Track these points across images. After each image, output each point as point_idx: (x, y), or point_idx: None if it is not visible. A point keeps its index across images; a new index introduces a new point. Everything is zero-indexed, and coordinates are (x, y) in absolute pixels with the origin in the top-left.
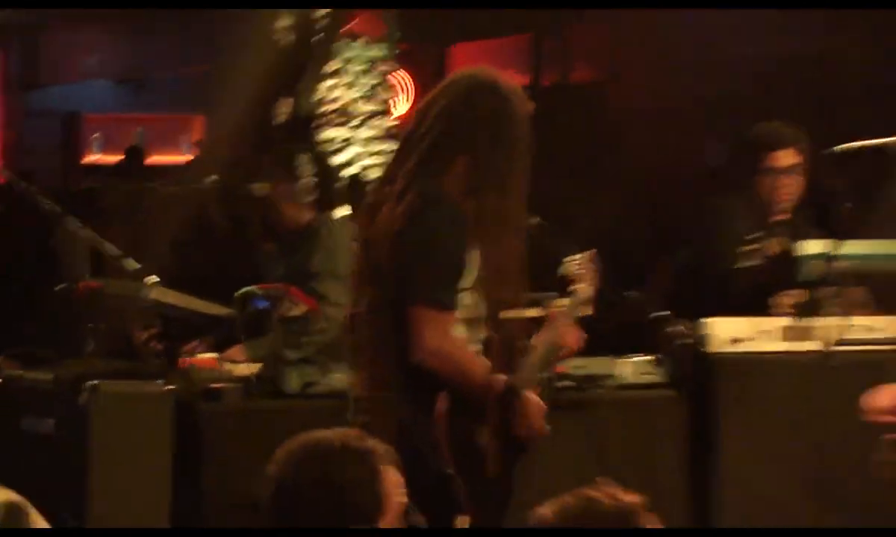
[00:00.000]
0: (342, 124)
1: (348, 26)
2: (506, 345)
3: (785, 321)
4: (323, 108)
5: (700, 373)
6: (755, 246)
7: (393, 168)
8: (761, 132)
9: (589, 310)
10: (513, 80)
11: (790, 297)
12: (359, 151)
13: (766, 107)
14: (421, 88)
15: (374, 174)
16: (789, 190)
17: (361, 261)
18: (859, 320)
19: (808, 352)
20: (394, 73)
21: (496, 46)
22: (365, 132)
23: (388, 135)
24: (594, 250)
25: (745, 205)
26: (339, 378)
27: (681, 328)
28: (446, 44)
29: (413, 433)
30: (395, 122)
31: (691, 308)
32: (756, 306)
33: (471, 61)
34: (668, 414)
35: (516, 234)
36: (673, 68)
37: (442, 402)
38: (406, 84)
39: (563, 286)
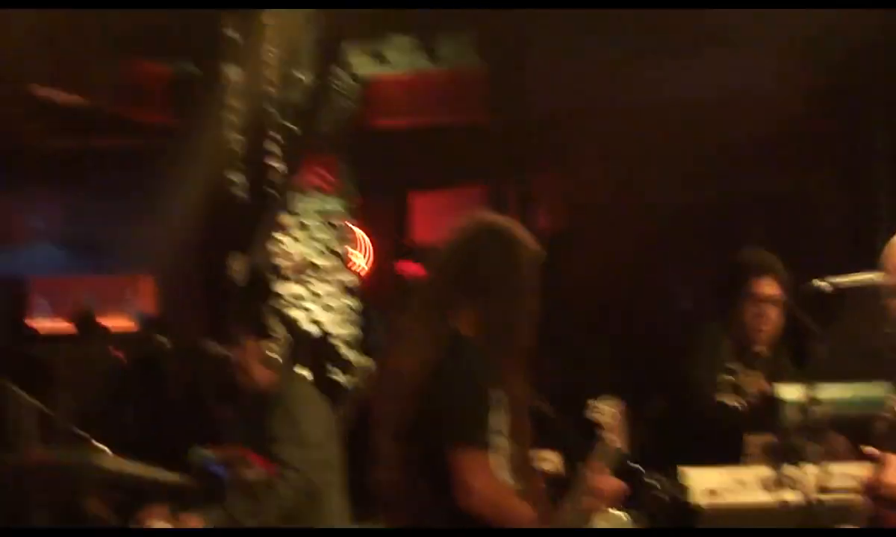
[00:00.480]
0: (299, 280)
1: (302, 179)
2: (527, 492)
3: (763, 471)
4: (278, 264)
5: (680, 527)
6: (733, 379)
7: (407, 317)
8: (746, 258)
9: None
10: (519, 226)
11: (765, 442)
12: (316, 307)
13: (735, 246)
14: (378, 242)
15: (335, 331)
16: (770, 319)
17: (382, 414)
18: (839, 468)
19: (789, 503)
20: (350, 227)
21: (454, 196)
22: (322, 287)
23: (346, 289)
24: (622, 400)
25: (727, 334)
26: None
27: (656, 481)
28: (403, 195)
29: None
30: (353, 277)
31: (665, 456)
32: (732, 449)
33: (428, 212)
34: None
35: (525, 376)
36: (643, 209)
37: None
38: (362, 239)
39: (589, 432)
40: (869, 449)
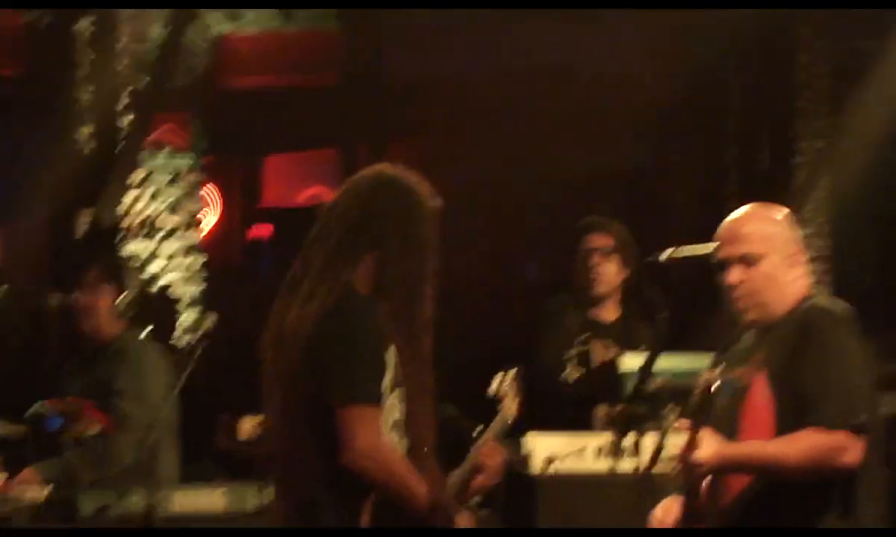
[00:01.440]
0: (148, 237)
1: (153, 135)
2: (419, 452)
3: (602, 439)
4: (127, 220)
5: (518, 493)
6: (580, 350)
7: (299, 270)
8: (578, 223)
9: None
10: (420, 179)
11: (610, 411)
12: (164, 265)
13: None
14: (228, 201)
15: (182, 290)
16: (601, 270)
17: (271, 368)
18: (676, 438)
19: (626, 471)
20: (201, 186)
21: (306, 159)
22: (171, 245)
23: (196, 248)
24: (518, 367)
25: (569, 302)
26: (136, 501)
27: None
28: (255, 156)
29: None
30: (201, 236)
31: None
32: (580, 418)
33: (281, 174)
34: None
35: (424, 334)
36: (499, 181)
37: (366, 512)
38: (213, 197)
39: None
40: (682, 422)
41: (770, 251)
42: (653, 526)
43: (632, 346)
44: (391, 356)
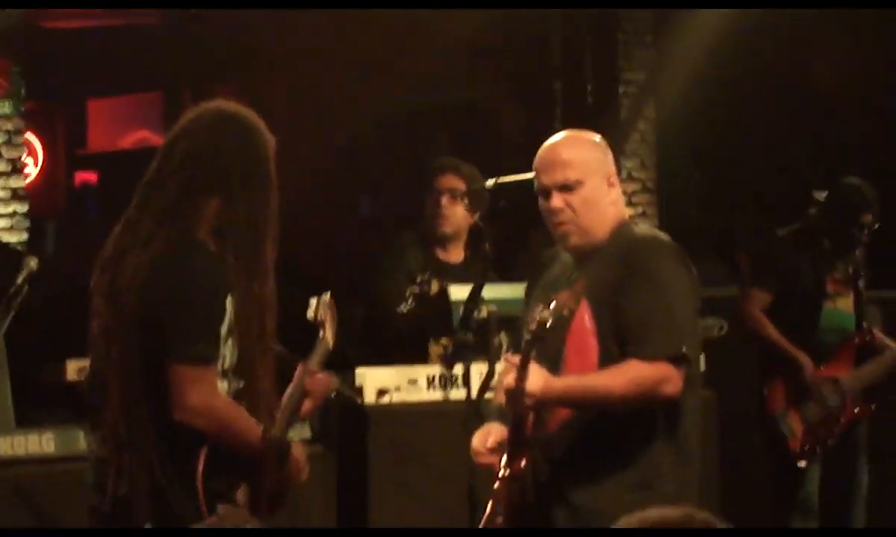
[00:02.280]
0: None
1: None
2: (255, 394)
3: (431, 370)
4: None
5: (350, 426)
6: (421, 288)
7: (135, 213)
8: (434, 162)
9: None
10: (256, 115)
11: (440, 345)
12: None
13: (423, 156)
14: (51, 147)
15: (3, 237)
16: (448, 212)
17: (103, 314)
18: (503, 367)
19: (455, 401)
20: (23, 132)
21: (129, 103)
22: None
23: (17, 196)
24: (330, 291)
25: (414, 239)
26: None
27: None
28: (77, 101)
29: (170, 494)
30: (23, 184)
31: (353, 357)
32: (415, 352)
33: (104, 118)
34: (317, 469)
35: (268, 277)
36: (326, 119)
37: (200, 461)
38: (34, 144)
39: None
40: (509, 356)
41: (589, 175)
42: (474, 455)
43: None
44: (229, 303)
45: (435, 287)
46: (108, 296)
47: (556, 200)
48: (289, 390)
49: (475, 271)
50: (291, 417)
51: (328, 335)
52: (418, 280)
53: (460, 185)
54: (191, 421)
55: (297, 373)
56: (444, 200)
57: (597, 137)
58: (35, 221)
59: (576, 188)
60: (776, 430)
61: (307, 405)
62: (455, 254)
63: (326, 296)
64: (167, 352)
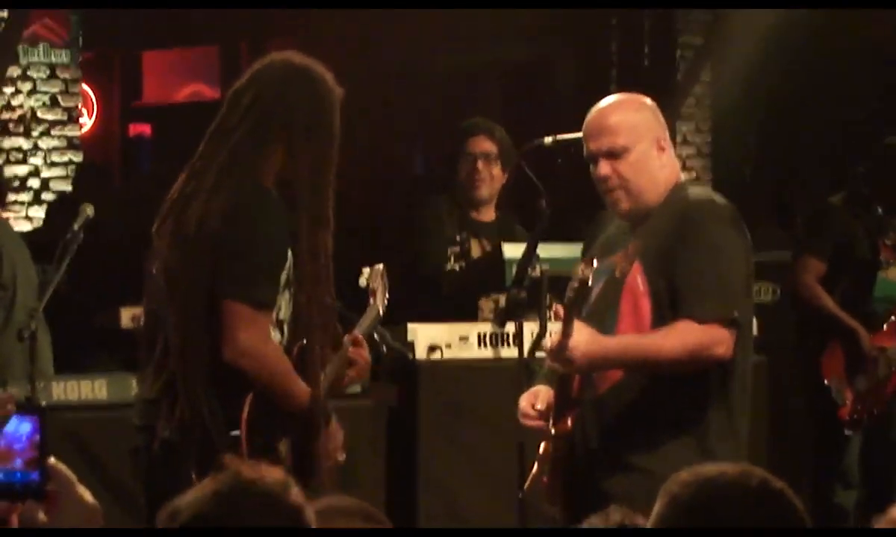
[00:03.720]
0: (24, 133)
1: (29, 30)
2: (307, 349)
3: (483, 327)
4: (3, 116)
5: (401, 381)
6: (458, 248)
7: (201, 161)
8: (465, 123)
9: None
10: (326, 68)
11: (492, 301)
12: (39, 162)
13: (477, 113)
14: (107, 98)
15: (58, 186)
16: (484, 175)
17: (167, 257)
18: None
19: (506, 358)
20: (78, 82)
21: (185, 57)
22: (48, 142)
23: (73, 145)
24: (382, 263)
25: (448, 202)
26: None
27: (381, 334)
28: (133, 51)
29: (215, 437)
30: (79, 133)
31: (402, 316)
32: (462, 312)
33: (159, 71)
34: (368, 422)
35: (328, 229)
36: (381, 76)
37: (246, 406)
38: (89, 95)
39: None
40: (557, 310)
41: (636, 140)
42: (522, 417)
43: (507, 242)
44: (290, 254)
45: (475, 247)
46: (174, 240)
47: (604, 167)
48: (334, 358)
49: (505, 228)
50: (335, 382)
51: (378, 304)
52: (458, 239)
53: (493, 148)
54: (238, 361)
55: (345, 340)
56: (480, 164)
57: (645, 100)
58: (89, 169)
59: (623, 154)
60: (828, 398)
61: (350, 374)
62: (487, 214)
63: (379, 267)
64: (226, 290)
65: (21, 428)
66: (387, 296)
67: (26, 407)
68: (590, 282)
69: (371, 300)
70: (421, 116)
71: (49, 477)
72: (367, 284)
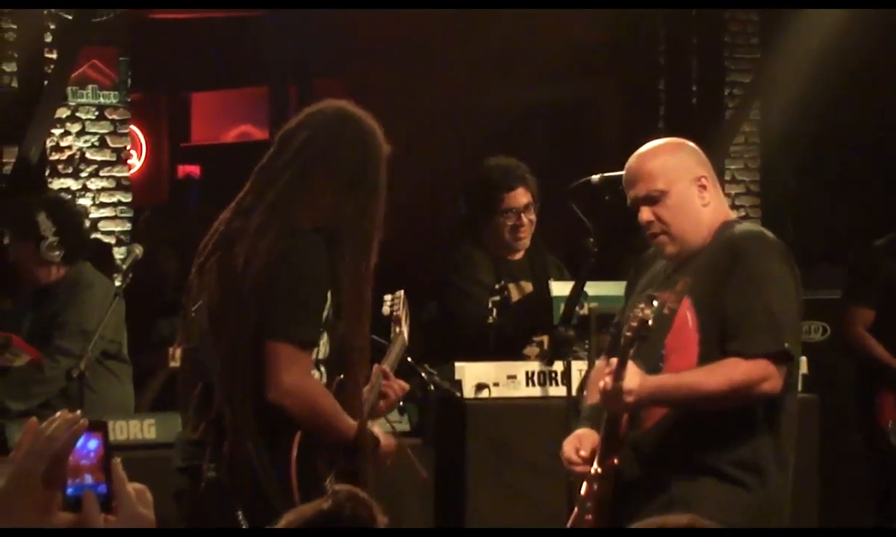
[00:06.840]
0: (73, 174)
1: (78, 72)
2: (349, 387)
3: (531, 366)
4: (52, 158)
5: (448, 420)
6: (498, 297)
7: (249, 200)
8: (494, 173)
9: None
10: (374, 118)
11: (540, 339)
12: (88, 203)
13: (521, 155)
14: (155, 139)
15: (107, 227)
16: (526, 226)
17: (213, 296)
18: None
19: (554, 397)
20: (126, 123)
21: (234, 98)
22: (95, 183)
23: (121, 186)
24: (403, 290)
25: (480, 252)
26: None
27: (428, 373)
28: (181, 94)
29: (263, 478)
30: (127, 174)
31: (441, 356)
32: (511, 354)
33: (208, 112)
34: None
35: (370, 277)
36: (428, 116)
37: (294, 446)
38: (138, 136)
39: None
40: (605, 357)
41: (673, 182)
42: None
43: (541, 278)
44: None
45: (514, 291)
46: (220, 278)
47: (645, 214)
48: (365, 389)
49: (536, 262)
50: (368, 417)
51: (404, 332)
52: (497, 287)
53: (530, 197)
54: (282, 400)
55: (374, 372)
56: (524, 218)
57: (683, 142)
58: (138, 212)
59: (661, 198)
60: (885, 441)
61: (382, 406)
62: (518, 253)
63: (401, 293)
64: (270, 330)
65: (89, 443)
66: (409, 322)
67: (94, 424)
68: (650, 323)
69: (396, 328)
70: (466, 156)
71: (116, 492)
72: (391, 312)
